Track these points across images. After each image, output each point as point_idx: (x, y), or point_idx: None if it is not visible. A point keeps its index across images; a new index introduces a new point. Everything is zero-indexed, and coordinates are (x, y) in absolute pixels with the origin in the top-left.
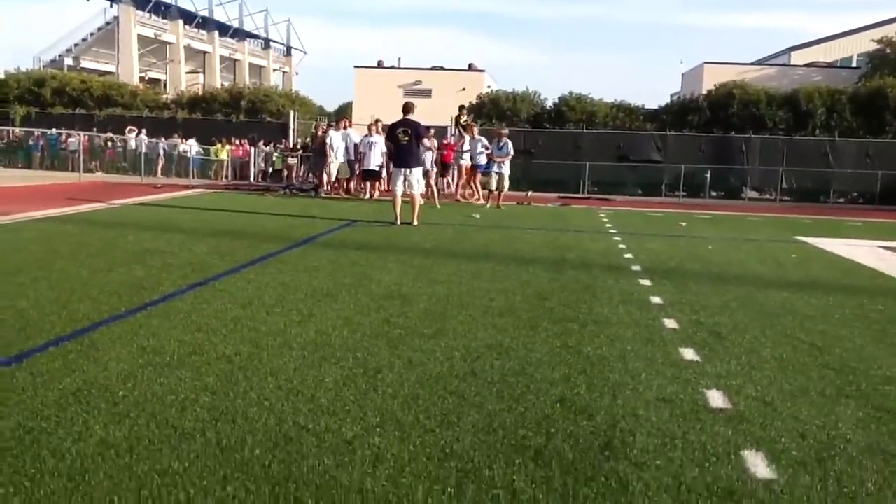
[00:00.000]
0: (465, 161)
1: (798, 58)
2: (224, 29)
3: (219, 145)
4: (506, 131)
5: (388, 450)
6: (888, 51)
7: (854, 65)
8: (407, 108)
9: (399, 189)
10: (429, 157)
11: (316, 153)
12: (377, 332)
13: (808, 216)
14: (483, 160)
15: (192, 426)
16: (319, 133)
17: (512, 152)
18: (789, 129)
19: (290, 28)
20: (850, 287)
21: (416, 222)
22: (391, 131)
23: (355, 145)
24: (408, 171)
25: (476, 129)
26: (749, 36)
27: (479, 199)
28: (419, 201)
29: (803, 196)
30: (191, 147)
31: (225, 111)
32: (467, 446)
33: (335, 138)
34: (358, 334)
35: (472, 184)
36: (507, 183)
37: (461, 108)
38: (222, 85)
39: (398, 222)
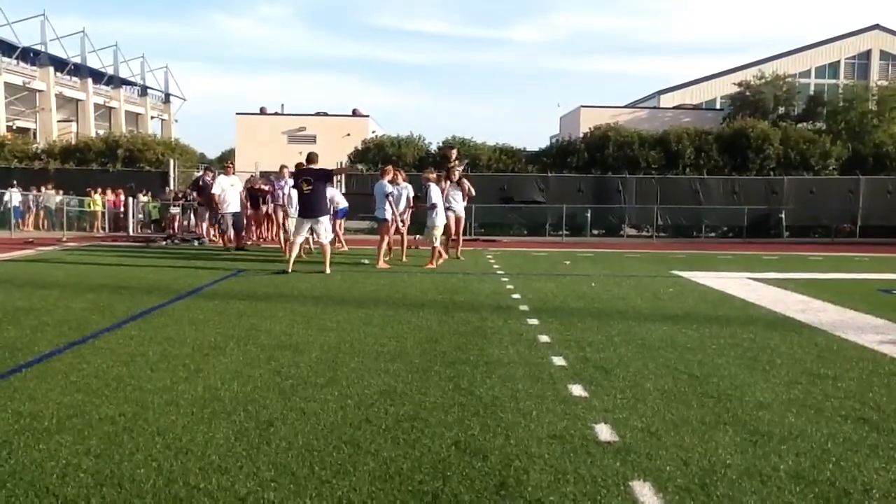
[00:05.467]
0: (455, 212)
1: (667, 101)
2: (98, 76)
3: (94, 196)
4: (433, 175)
5: None
6: (748, 93)
7: (718, 106)
8: (310, 159)
9: (300, 238)
10: (440, 214)
11: (203, 201)
12: (268, 384)
13: (683, 251)
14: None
15: (74, 493)
16: (208, 179)
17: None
18: (661, 168)
19: (168, 74)
20: (724, 317)
21: (328, 270)
22: (295, 182)
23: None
24: (314, 221)
25: (458, 173)
26: (621, 80)
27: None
28: (328, 249)
29: (677, 232)
30: (47, 197)
31: (101, 160)
32: (364, 496)
33: (224, 183)
34: (248, 387)
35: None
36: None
37: (449, 147)
38: (97, 133)
39: (289, 270)
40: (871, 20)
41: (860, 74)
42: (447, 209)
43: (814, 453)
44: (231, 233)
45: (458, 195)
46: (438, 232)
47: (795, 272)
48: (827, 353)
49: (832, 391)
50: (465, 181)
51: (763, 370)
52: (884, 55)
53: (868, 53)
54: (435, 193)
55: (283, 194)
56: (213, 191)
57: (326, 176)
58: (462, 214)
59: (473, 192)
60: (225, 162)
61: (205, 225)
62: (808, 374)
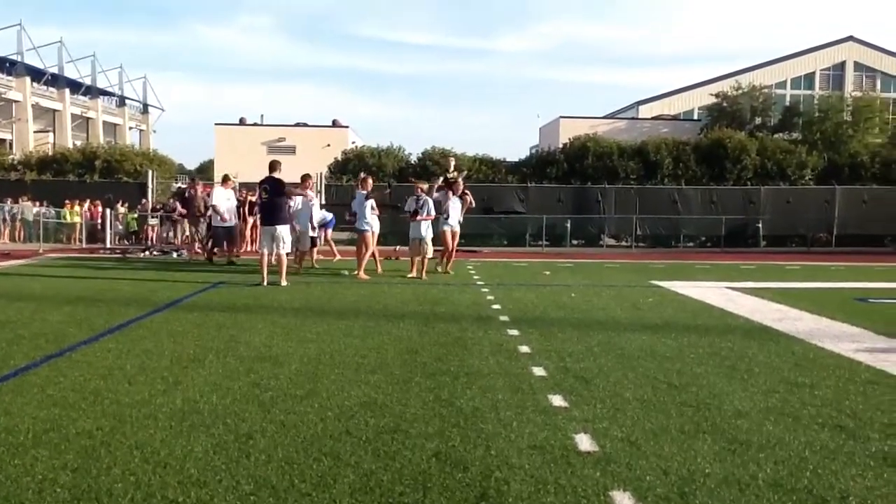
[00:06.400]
0: (451, 226)
1: (645, 111)
2: (76, 86)
3: (71, 207)
4: (425, 185)
5: None
6: (725, 104)
7: (696, 117)
8: (272, 167)
9: (266, 249)
10: (426, 225)
11: (190, 213)
12: (248, 396)
13: (662, 261)
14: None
15: None
16: (197, 192)
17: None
18: (640, 178)
19: (147, 85)
20: (702, 327)
21: (283, 282)
22: (258, 189)
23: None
24: (272, 229)
25: (462, 186)
26: (600, 91)
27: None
28: (285, 260)
29: (656, 242)
30: (24, 208)
31: (78, 171)
32: None
33: (219, 196)
34: (227, 399)
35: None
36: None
37: (448, 157)
38: (74, 144)
39: (264, 283)
40: (846, 32)
41: (835, 85)
42: (445, 220)
43: (791, 461)
44: (224, 245)
45: (458, 208)
46: (429, 244)
47: (773, 282)
48: (804, 361)
49: (809, 399)
50: (468, 194)
51: (741, 379)
52: (858, 66)
53: (843, 65)
54: (430, 205)
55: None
56: (213, 202)
57: (282, 190)
58: (458, 229)
59: (474, 204)
60: (224, 175)
61: (187, 237)
62: (786, 382)
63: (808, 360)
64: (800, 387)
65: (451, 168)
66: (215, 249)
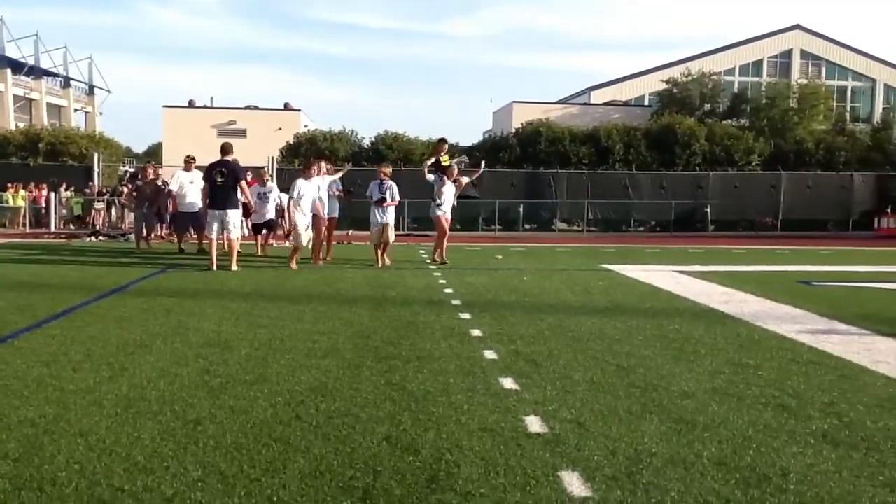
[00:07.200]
0: (444, 212)
1: (597, 97)
2: (18, 66)
3: (14, 191)
4: (388, 169)
5: None
6: (675, 90)
7: (646, 103)
8: (225, 150)
9: (214, 233)
10: (391, 211)
11: (146, 197)
12: (196, 383)
13: (613, 245)
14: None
15: None
16: (151, 175)
17: (398, 197)
18: (592, 163)
19: (93, 66)
20: (651, 310)
21: (234, 267)
22: (208, 172)
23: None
24: (223, 213)
25: (456, 171)
26: (553, 76)
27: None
28: (236, 245)
29: (607, 226)
30: None
31: (21, 154)
32: (294, 493)
33: (183, 179)
34: (175, 386)
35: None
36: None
37: (442, 141)
38: (17, 126)
39: (213, 267)
40: (793, 20)
41: (782, 73)
42: (438, 206)
43: (735, 440)
44: (191, 232)
45: (453, 193)
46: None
47: (720, 265)
48: (748, 342)
49: (753, 380)
50: (462, 178)
51: (688, 360)
52: (804, 54)
53: (790, 52)
54: (394, 190)
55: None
56: (171, 187)
57: (240, 176)
58: (450, 216)
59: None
60: (187, 156)
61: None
62: (731, 363)
63: (753, 342)
64: (744, 367)
65: (444, 152)
66: (153, 235)
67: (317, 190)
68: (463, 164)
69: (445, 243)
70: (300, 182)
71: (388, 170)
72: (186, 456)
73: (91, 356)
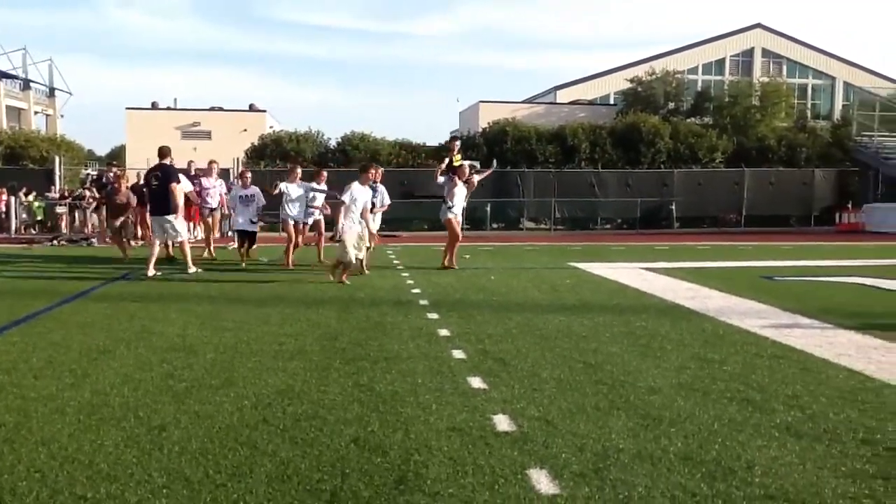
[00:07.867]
0: (455, 215)
1: (563, 96)
2: None
3: None
4: (380, 170)
5: None
6: (639, 89)
7: (612, 102)
8: (162, 153)
9: (159, 238)
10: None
11: (120, 208)
12: (161, 388)
13: (580, 243)
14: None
15: None
16: (124, 186)
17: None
18: (558, 162)
19: (53, 68)
20: (618, 307)
21: (191, 269)
22: (146, 177)
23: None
24: (162, 219)
25: (468, 171)
26: (519, 76)
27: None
28: (187, 247)
29: (574, 224)
30: None
31: None
32: (261, 497)
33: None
34: (139, 391)
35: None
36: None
37: (454, 139)
38: None
39: (149, 273)
40: (754, 19)
41: (744, 71)
42: (449, 208)
43: (701, 435)
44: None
45: (463, 195)
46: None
47: (685, 261)
48: (713, 338)
49: (718, 374)
50: (473, 177)
51: (654, 356)
52: (766, 53)
53: (751, 51)
54: (384, 194)
55: (218, 194)
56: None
57: (172, 178)
58: (461, 218)
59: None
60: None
61: (93, 226)
62: (697, 358)
63: (718, 337)
64: (710, 362)
65: (456, 151)
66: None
67: (370, 196)
68: (473, 169)
69: (457, 247)
70: (355, 187)
71: (380, 172)
72: (151, 462)
73: (53, 363)
